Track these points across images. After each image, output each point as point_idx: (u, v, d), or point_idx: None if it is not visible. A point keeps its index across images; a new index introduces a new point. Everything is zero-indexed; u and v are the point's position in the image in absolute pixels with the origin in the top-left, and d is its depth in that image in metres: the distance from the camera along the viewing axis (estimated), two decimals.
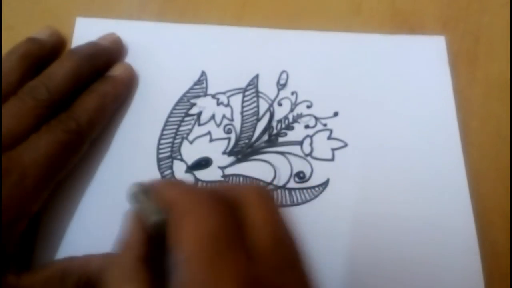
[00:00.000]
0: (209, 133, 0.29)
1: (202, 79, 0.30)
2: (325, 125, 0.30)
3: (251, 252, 0.19)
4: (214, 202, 0.20)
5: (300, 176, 0.28)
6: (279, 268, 0.19)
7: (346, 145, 0.29)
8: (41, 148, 0.24)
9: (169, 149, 0.29)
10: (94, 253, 0.25)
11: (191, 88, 0.30)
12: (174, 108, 0.30)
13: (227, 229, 0.19)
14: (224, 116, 0.30)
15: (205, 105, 0.30)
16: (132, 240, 0.21)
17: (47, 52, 0.29)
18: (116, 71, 0.29)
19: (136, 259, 0.20)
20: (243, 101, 0.30)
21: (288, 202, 0.28)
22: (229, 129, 0.29)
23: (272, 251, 0.19)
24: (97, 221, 0.27)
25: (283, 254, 0.20)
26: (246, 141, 0.29)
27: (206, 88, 0.30)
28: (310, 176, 0.28)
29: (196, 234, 0.18)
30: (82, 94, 0.27)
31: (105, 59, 0.29)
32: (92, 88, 0.28)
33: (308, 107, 0.30)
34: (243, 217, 0.20)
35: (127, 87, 0.30)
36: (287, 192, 0.28)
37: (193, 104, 0.30)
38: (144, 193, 0.22)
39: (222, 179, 0.28)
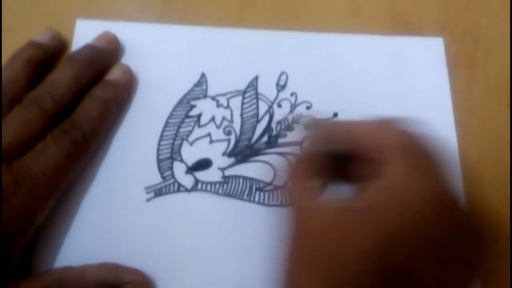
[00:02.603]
0: (209, 134, 0.29)
1: (202, 81, 0.31)
2: None
3: None
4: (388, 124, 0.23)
5: None
6: None
7: None
8: (49, 160, 0.24)
9: (169, 150, 0.29)
10: (91, 262, 0.25)
11: (191, 90, 0.30)
12: (174, 110, 0.30)
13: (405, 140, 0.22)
14: (224, 118, 0.30)
15: (205, 106, 0.30)
16: (320, 144, 0.24)
17: (49, 56, 0.30)
18: (116, 74, 0.29)
19: (324, 156, 0.23)
20: (242, 103, 0.30)
21: (288, 202, 0.28)
22: (229, 130, 0.29)
23: None
24: (97, 226, 0.27)
25: None
26: (246, 142, 0.29)
27: (206, 90, 0.30)
28: None
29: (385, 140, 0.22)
30: (84, 100, 0.27)
31: (104, 62, 0.29)
32: (93, 94, 0.28)
33: (308, 108, 0.30)
34: None
35: (128, 91, 0.30)
36: (287, 192, 0.28)
37: (193, 106, 0.30)
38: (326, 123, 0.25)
39: (222, 180, 0.28)
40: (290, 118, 0.29)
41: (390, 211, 0.20)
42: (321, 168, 0.23)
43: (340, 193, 0.24)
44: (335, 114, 0.30)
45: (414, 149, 0.21)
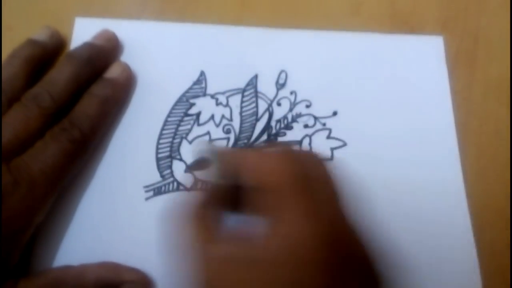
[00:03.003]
0: (208, 133, 0.29)
1: (201, 79, 0.30)
2: (324, 124, 0.30)
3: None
4: (285, 156, 0.22)
5: None
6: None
7: (345, 144, 0.29)
8: (48, 158, 0.24)
9: (168, 148, 0.29)
10: (91, 261, 0.25)
11: (190, 88, 0.30)
12: (173, 108, 0.30)
13: (301, 176, 0.21)
14: (223, 116, 0.30)
15: (204, 105, 0.30)
16: (218, 176, 0.23)
17: (48, 54, 0.29)
18: (114, 72, 0.29)
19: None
20: (242, 102, 0.30)
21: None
22: (228, 129, 0.29)
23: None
24: (96, 225, 0.27)
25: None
26: (245, 141, 0.29)
27: (205, 88, 0.30)
28: None
29: (281, 177, 0.21)
30: (82, 98, 0.27)
31: (103, 60, 0.29)
32: (92, 92, 0.27)
33: (307, 106, 0.30)
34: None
35: (126, 89, 0.30)
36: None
37: (192, 104, 0.30)
38: (213, 155, 0.24)
39: None
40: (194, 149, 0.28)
41: (283, 263, 0.19)
42: (218, 200, 0.23)
43: (237, 223, 0.24)
44: (335, 113, 0.30)
45: (308, 185, 0.21)
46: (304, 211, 0.20)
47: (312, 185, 0.21)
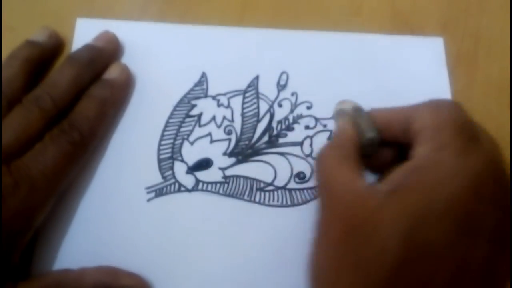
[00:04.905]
0: (209, 134, 0.29)
1: (202, 80, 0.30)
2: (325, 125, 0.30)
3: None
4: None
5: (301, 177, 0.29)
6: None
7: None
8: (48, 161, 0.24)
9: (169, 150, 0.29)
10: (92, 263, 0.25)
11: (192, 89, 0.30)
12: (174, 109, 0.30)
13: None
14: (224, 118, 0.30)
15: (205, 106, 0.30)
16: (350, 132, 0.25)
17: (47, 55, 0.29)
18: (113, 73, 0.29)
19: (354, 144, 0.24)
20: (243, 103, 0.30)
21: (289, 203, 0.28)
22: (230, 130, 0.29)
23: None
24: (97, 227, 0.27)
25: None
26: (247, 142, 0.29)
27: (207, 89, 0.30)
28: (310, 177, 0.29)
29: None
30: (81, 100, 0.27)
31: (104, 62, 0.29)
32: (90, 93, 0.27)
33: (308, 108, 0.30)
34: None
35: (125, 90, 0.30)
36: (287, 192, 0.28)
37: (194, 105, 0.30)
38: (357, 111, 0.26)
39: (223, 180, 0.28)
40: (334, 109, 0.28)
41: (417, 191, 0.20)
42: (352, 155, 0.24)
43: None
44: None
45: (447, 128, 0.22)
46: (439, 145, 0.21)
47: (448, 129, 0.22)
